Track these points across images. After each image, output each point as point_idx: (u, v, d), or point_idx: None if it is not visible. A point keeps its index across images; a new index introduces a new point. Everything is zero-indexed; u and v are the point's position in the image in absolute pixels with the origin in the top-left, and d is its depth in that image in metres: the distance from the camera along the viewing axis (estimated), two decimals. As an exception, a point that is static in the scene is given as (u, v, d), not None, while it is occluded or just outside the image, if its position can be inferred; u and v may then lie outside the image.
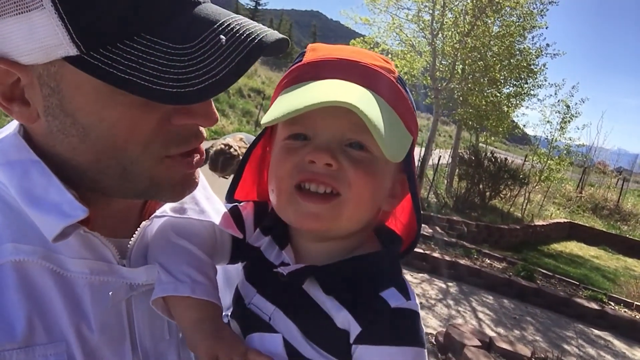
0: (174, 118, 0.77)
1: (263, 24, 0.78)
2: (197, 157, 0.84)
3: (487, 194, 15.69)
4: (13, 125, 0.83)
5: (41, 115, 0.74)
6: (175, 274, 0.84)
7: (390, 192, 0.89)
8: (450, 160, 17.20)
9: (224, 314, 0.93)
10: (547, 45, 17.93)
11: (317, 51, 0.88)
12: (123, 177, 0.78)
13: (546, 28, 17.70)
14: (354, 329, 0.78)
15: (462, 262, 9.33)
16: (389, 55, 16.00)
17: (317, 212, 0.80)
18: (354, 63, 0.83)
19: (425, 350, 0.81)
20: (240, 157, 4.76)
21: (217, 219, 0.92)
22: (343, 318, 0.80)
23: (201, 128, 0.83)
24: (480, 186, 15.53)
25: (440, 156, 19.12)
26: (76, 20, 0.65)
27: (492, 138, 21.94)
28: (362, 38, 18.74)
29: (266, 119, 0.77)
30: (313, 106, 0.72)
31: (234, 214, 0.97)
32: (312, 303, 0.83)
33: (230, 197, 0.98)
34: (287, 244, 0.91)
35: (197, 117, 0.78)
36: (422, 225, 0.98)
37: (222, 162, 4.56)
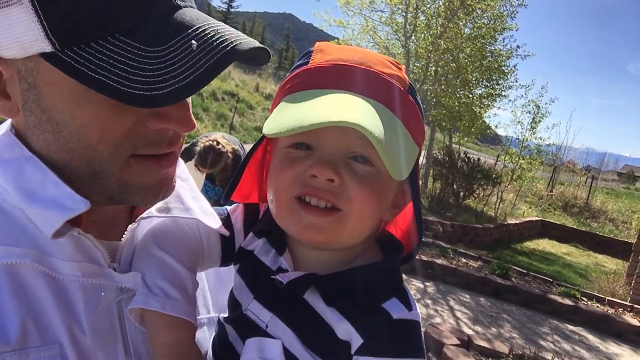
0: (150, 122, 0.75)
1: (235, 27, 0.76)
2: (169, 159, 0.82)
3: (461, 194, 15.89)
4: (5, 126, 0.83)
5: (20, 110, 0.75)
6: (150, 286, 0.82)
7: (393, 202, 0.87)
8: (424, 161, 17.39)
9: (220, 315, 0.92)
10: (518, 46, 18.31)
11: (325, 53, 0.84)
12: (93, 179, 0.77)
13: (516, 30, 18.06)
14: (356, 340, 0.77)
15: (439, 261, 9.42)
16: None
17: (318, 224, 0.78)
18: (365, 71, 0.80)
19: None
20: (228, 154, 4.73)
21: (203, 218, 0.91)
22: (344, 329, 0.78)
23: (178, 133, 0.81)
24: (455, 186, 15.73)
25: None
26: (51, 16, 0.65)
27: (465, 139, 22.25)
28: (335, 40, 18.80)
29: (269, 130, 0.74)
30: (320, 125, 0.69)
31: (223, 218, 0.95)
32: (311, 312, 0.81)
33: (227, 198, 0.96)
34: (285, 249, 0.88)
35: (172, 122, 0.77)
36: None
37: (211, 158, 4.52)
